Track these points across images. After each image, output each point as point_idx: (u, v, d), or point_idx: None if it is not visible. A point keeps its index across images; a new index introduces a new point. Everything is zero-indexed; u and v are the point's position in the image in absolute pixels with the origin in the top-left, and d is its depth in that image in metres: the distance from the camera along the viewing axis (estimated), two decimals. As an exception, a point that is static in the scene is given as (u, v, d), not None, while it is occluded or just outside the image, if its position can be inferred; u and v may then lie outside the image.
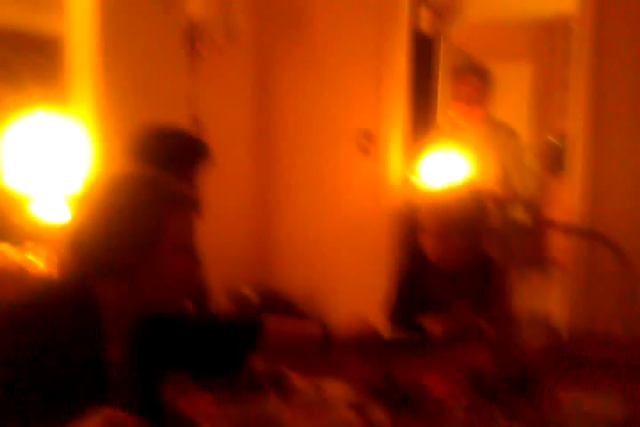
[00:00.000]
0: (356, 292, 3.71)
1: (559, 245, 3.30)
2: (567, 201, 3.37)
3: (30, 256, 2.68)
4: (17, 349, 1.12)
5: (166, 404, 1.47)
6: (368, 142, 3.79)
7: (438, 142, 3.41)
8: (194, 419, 1.42)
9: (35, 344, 1.13)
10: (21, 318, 1.16)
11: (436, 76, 4.78)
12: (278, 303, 3.81)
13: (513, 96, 6.80)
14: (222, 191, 3.66)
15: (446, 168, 3.20)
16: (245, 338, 1.50)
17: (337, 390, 1.61)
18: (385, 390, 1.59)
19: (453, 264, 2.18)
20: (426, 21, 4.58)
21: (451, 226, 2.10)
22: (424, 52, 4.61)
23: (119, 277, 1.23)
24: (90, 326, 1.22)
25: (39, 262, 2.62)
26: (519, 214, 3.42)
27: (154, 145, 2.21)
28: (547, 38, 6.89)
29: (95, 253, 1.22)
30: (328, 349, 1.54)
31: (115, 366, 1.26)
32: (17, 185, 2.74)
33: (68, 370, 1.15)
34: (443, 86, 4.74)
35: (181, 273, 1.27)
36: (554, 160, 6.63)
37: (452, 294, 2.10)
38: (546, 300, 2.52)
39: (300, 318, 3.52)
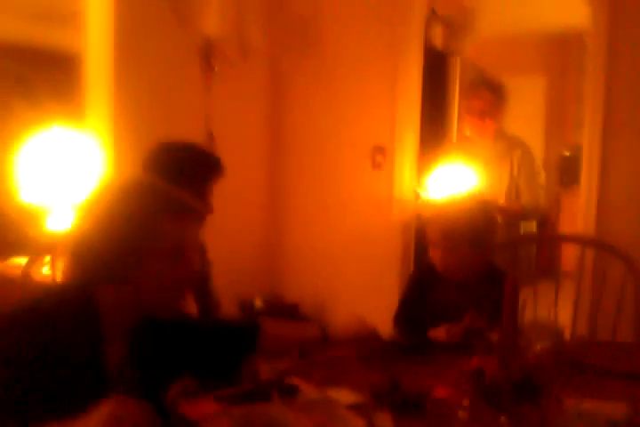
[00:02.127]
0: (365, 303, 3.70)
1: (571, 258, 3.28)
2: (581, 214, 3.36)
3: (47, 269, 2.71)
4: (17, 350, 1.14)
5: (169, 407, 1.49)
6: (381, 157, 3.81)
7: (450, 156, 3.40)
8: (197, 421, 1.43)
9: (35, 346, 1.15)
10: (22, 320, 1.19)
11: (451, 92, 4.80)
12: (287, 313, 3.82)
13: (527, 110, 6.82)
14: (235, 204, 3.70)
15: (455, 182, 3.20)
16: (243, 341, 1.51)
17: (341, 393, 1.61)
18: (388, 392, 1.59)
19: (462, 276, 2.17)
20: (439, 37, 4.61)
21: (458, 238, 2.09)
22: (438, 68, 4.64)
23: (115, 282, 1.25)
24: (90, 329, 1.25)
25: (56, 275, 2.64)
26: (530, 228, 3.41)
27: (167, 160, 2.22)
28: (560, 52, 6.91)
29: (91, 258, 1.25)
30: (327, 350, 1.55)
31: (115, 368, 1.28)
32: (33, 199, 2.79)
33: (68, 371, 1.18)
34: (458, 102, 4.76)
35: (174, 280, 1.29)
36: (568, 173, 6.61)
37: (461, 305, 2.09)
38: (554, 309, 2.50)
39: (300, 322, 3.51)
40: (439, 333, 2.01)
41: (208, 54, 3.54)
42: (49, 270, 2.55)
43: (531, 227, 3.43)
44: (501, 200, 3.28)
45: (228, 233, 3.64)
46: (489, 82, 3.55)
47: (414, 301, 2.23)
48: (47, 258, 2.59)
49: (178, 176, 2.15)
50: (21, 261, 2.75)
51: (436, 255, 2.16)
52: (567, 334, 2.33)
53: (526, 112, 6.86)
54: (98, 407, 1.07)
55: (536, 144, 6.97)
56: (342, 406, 1.55)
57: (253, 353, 1.52)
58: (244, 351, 1.51)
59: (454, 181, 3.22)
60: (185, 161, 2.20)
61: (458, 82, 4.82)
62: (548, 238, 4.79)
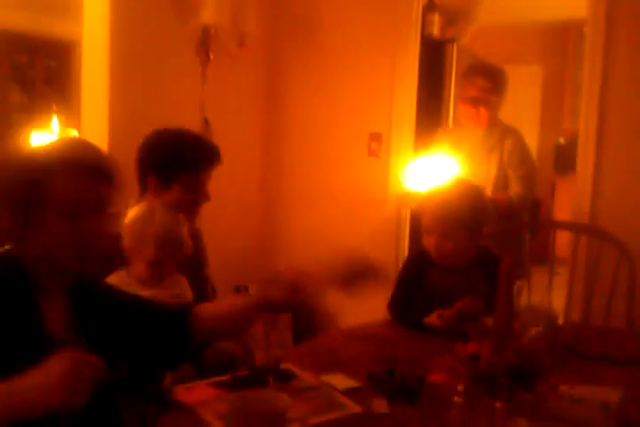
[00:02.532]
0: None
1: (566, 244, 3.29)
2: (576, 201, 3.36)
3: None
4: None
5: (165, 393, 1.50)
6: (376, 145, 3.80)
7: (438, 145, 3.31)
8: (193, 407, 1.44)
9: None
10: None
11: (448, 80, 4.80)
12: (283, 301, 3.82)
13: (523, 98, 6.83)
14: (230, 191, 3.70)
15: (438, 172, 3.05)
16: (169, 324, 1.50)
17: (336, 379, 1.63)
18: (384, 378, 1.60)
19: (457, 262, 2.17)
20: (437, 25, 4.60)
21: (453, 223, 2.09)
22: (435, 56, 4.63)
23: (20, 239, 1.29)
24: (24, 287, 1.28)
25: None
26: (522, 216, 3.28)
27: (162, 147, 2.21)
28: (557, 41, 6.93)
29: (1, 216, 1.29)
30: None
31: (56, 328, 1.30)
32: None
33: (7, 331, 1.21)
34: (456, 91, 4.76)
35: (72, 237, 1.29)
36: (563, 160, 6.64)
37: (456, 291, 2.09)
38: (549, 295, 2.51)
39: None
40: (433, 318, 2.01)
41: (204, 43, 3.53)
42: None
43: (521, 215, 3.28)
44: (488, 192, 3.03)
45: (224, 219, 3.64)
46: (485, 68, 3.38)
47: (409, 287, 2.22)
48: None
49: (173, 163, 2.15)
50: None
51: (430, 243, 2.15)
52: (561, 320, 2.34)
53: (522, 100, 6.87)
54: (50, 362, 1.09)
55: (532, 132, 7.01)
56: (338, 391, 1.56)
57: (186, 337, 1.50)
58: (173, 334, 1.49)
59: (437, 171, 3.08)
60: (180, 148, 2.19)
61: (454, 70, 4.82)
62: (542, 225, 4.80)
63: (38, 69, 4.02)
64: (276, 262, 4.14)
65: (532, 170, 3.23)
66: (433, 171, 3.11)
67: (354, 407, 1.48)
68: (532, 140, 7.02)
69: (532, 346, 1.65)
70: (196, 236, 2.25)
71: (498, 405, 1.40)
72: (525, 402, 1.45)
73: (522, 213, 3.24)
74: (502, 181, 3.17)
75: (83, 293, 1.40)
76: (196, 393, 1.52)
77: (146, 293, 1.93)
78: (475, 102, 3.16)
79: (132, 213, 2.01)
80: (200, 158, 2.19)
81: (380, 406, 1.49)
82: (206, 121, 3.54)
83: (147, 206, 2.03)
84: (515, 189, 3.13)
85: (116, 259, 1.96)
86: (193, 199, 2.18)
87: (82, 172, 1.29)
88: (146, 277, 1.97)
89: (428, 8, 4.32)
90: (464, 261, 2.18)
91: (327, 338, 2.12)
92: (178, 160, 2.16)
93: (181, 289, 2.04)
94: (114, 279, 1.95)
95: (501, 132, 3.22)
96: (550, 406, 1.44)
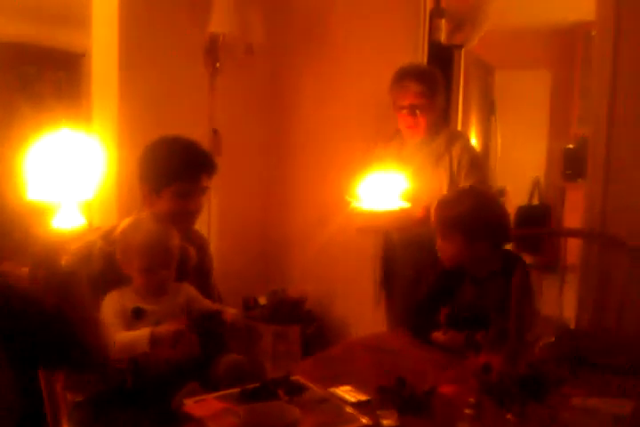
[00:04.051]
0: (370, 299, 3.68)
1: (576, 251, 3.26)
2: (586, 208, 3.33)
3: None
4: None
5: (175, 407, 1.50)
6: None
7: (380, 160, 2.96)
8: (202, 420, 1.44)
9: None
10: None
11: (456, 86, 4.80)
12: (291, 310, 3.81)
13: (533, 103, 6.82)
14: (240, 203, 3.70)
15: (388, 188, 2.58)
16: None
17: (346, 391, 1.62)
18: (394, 390, 1.59)
19: (467, 268, 2.15)
20: (445, 33, 4.60)
21: (447, 225, 2.09)
22: (445, 64, 4.62)
23: None
24: None
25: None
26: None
27: (158, 154, 2.18)
28: (564, 45, 6.92)
29: None
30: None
31: None
32: (40, 198, 2.79)
33: None
34: (464, 96, 4.75)
35: None
36: (571, 167, 6.60)
37: (482, 303, 2.06)
38: (559, 303, 2.49)
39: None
40: (441, 337, 1.99)
41: (213, 52, 3.55)
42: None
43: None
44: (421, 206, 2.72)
45: (232, 229, 3.64)
46: (417, 71, 3.02)
47: (432, 300, 2.18)
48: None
49: (163, 171, 2.12)
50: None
51: (445, 251, 2.15)
52: (572, 328, 2.33)
53: (531, 105, 6.86)
54: None
55: (540, 137, 7.00)
56: (348, 404, 1.56)
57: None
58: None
59: (387, 187, 2.59)
60: (170, 156, 2.15)
61: (462, 76, 4.81)
62: (553, 232, 4.77)
63: (47, 81, 4.04)
64: (285, 274, 4.13)
65: (485, 177, 2.97)
66: (382, 188, 2.62)
67: (364, 420, 1.48)
68: (541, 146, 7.02)
69: (543, 357, 1.64)
70: (201, 245, 2.24)
71: (509, 417, 1.40)
72: (537, 414, 1.44)
73: None
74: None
75: None
76: (206, 407, 1.52)
77: (148, 306, 1.92)
78: (412, 110, 2.89)
79: (124, 224, 2.02)
80: (190, 167, 2.14)
81: (391, 418, 1.48)
82: (215, 131, 3.54)
83: (136, 216, 2.04)
84: None
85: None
86: (183, 209, 2.14)
87: None
88: (144, 289, 1.95)
89: (435, 14, 4.32)
90: (482, 269, 2.15)
91: (337, 350, 2.11)
92: (168, 169, 2.12)
93: (188, 297, 2.02)
94: (115, 295, 1.94)
95: (447, 139, 2.94)
96: (562, 418, 1.43)
